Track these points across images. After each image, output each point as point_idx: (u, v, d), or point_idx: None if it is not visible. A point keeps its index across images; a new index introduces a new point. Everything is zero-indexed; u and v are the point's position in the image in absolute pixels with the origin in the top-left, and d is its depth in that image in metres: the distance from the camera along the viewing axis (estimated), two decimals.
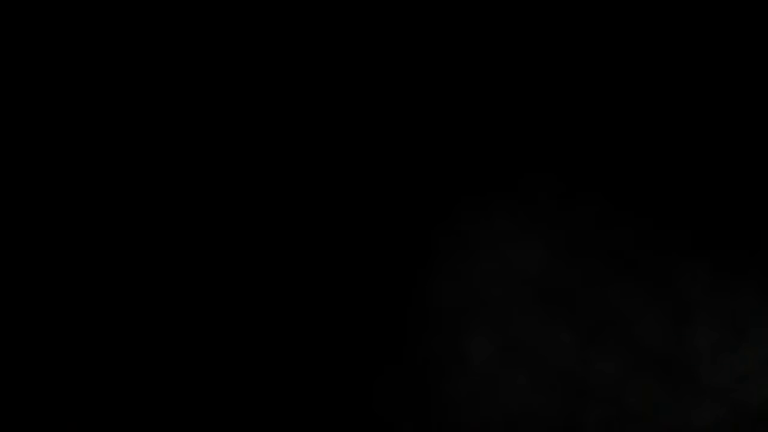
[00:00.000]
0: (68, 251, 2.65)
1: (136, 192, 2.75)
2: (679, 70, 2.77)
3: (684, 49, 2.76)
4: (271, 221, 2.71)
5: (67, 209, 2.72)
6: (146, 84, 2.87)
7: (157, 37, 2.89)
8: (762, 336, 2.38)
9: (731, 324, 2.40)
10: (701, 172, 2.66)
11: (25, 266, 2.61)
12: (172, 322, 2.51)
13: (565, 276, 2.54)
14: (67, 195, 2.75)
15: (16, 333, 2.47)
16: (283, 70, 2.89)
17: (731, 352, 2.37)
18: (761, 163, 2.63)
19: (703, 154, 2.67)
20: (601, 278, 2.52)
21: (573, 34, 2.82)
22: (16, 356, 2.44)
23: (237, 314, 2.53)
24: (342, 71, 2.87)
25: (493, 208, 2.68)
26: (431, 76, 2.86)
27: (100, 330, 2.50)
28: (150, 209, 2.72)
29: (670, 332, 2.41)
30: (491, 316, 2.48)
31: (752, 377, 2.33)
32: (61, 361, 2.45)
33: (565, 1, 2.83)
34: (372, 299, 2.54)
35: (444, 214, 2.68)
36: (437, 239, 2.64)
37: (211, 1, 2.88)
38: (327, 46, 2.88)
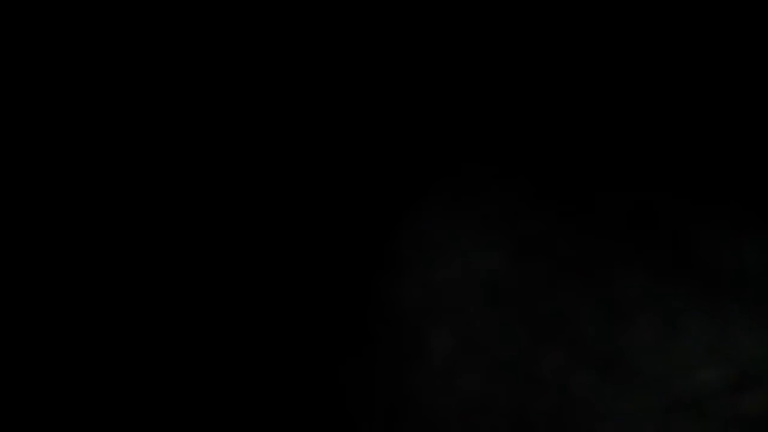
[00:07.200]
0: (65, 251, 2.75)
1: (106, 192, 2.84)
2: (639, 72, 2.93)
3: (642, 51, 2.91)
4: (234, 224, 2.84)
5: (65, 209, 2.81)
6: (137, 83, 2.96)
7: (154, 37, 2.96)
8: (694, 331, 2.60)
9: (667, 320, 2.63)
10: (642, 183, 2.86)
11: (24, 266, 2.71)
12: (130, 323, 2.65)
13: (519, 278, 2.75)
14: (65, 195, 2.84)
15: (15, 333, 2.57)
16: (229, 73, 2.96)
17: (667, 346, 2.59)
18: (693, 171, 2.82)
19: (643, 166, 2.87)
20: (551, 280, 2.74)
21: (523, 33, 2.95)
22: (15, 356, 2.54)
23: (198, 313, 2.65)
24: (295, 76, 2.95)
25: (451, 213, 2.89)
26: (390, 79, 2.97)
27: (79, 329, 2.61)
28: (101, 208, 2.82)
29: (613, 328, 2.63)
30: (450, 315, 2.70)
31: (685, 369, 2.56)
32: (59, 360, 2.56)
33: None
34: (333, 302, 2.73)
35: (403, 218, 2.88)
36: (397, 245, 2.84)
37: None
38: (265, 50, 2.95)
